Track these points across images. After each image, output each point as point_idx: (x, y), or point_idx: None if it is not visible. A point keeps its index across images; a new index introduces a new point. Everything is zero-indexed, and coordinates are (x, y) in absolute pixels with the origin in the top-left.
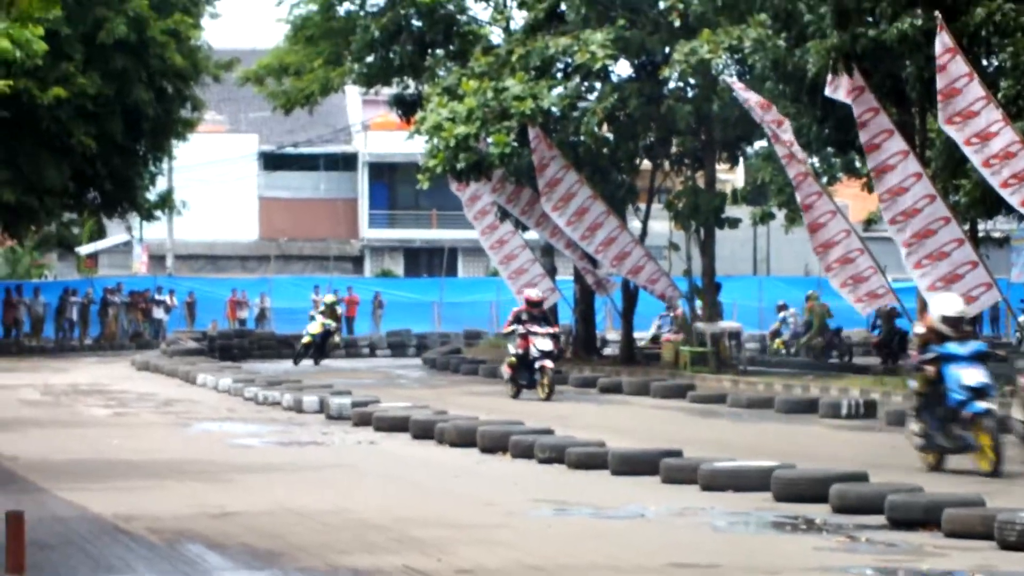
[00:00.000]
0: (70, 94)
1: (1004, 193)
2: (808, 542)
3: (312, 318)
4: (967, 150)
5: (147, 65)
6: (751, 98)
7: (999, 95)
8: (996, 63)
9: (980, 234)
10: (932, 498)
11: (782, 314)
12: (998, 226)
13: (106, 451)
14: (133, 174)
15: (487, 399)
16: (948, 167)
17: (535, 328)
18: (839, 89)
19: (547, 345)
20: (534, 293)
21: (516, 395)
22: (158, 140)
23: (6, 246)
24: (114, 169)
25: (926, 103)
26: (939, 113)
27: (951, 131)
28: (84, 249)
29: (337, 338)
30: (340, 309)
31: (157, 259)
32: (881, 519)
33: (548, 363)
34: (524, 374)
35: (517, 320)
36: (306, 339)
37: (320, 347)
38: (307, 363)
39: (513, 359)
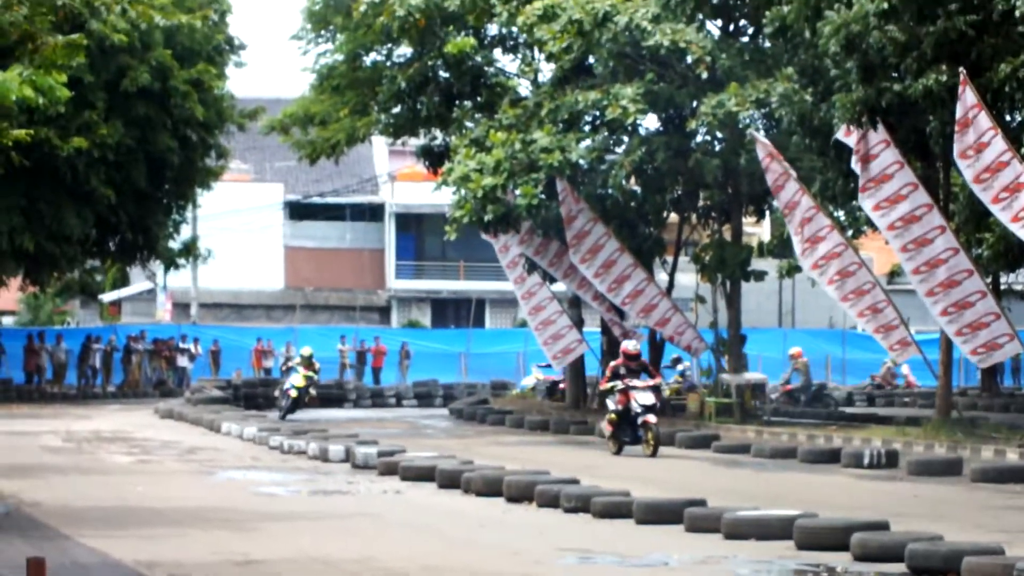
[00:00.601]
0: (91, 143)
1: None
2: None
3: (292, 370)
4: (994, 208)
5: (170, 113)
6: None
7: (1022, 150)
8: (1020, 118)
9: (1003, 286)
10: (952, 547)
11: (793, 362)
12: (1020, 279)
13: (129, 498)
14: (154, 222)
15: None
16: (971, 221)
17: (635, 382)
18: (852, 136)
19: (649, 399)
20: (631, 345)
21: (618, 451)
22: (181, 188)
23: (28, 293)
24: (135, 217)
25: (950, 157)
26: (965, 170)
27: (978, 189)
28: (107, 296)
29: (313, 391)
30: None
31: (181, 307)
32: (902, 567)
33: (651, 418)
34: (627, 430)
35: (615, 375)
36: (293, 392)
37: (298, 400)
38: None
39: (613, 415)
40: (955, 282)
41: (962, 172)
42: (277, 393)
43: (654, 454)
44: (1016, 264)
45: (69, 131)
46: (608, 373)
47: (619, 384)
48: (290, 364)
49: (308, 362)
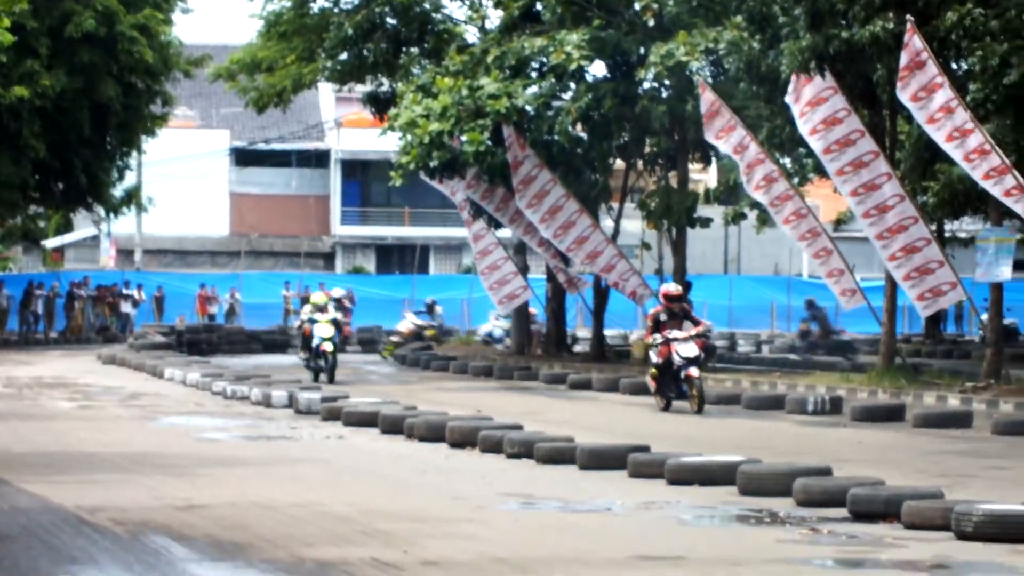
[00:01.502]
0: (32, 93)
1: (987, 184)
2: (772, 535)
3: (312, 320)
4: (948, 146)
5: (116, 60)
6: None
7: (968, 98)
8: (965, 66)
9: (947, 234)
10: (893, 491)
11: (811, 311)
12: (964, 227)
13: (71, 444)
14: (100, 169)
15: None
16: (917, 169)
17: (675, 333)
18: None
19: (691, 351)
20: (672, 287)
21: (666, 407)
22: (126, 135)
23: None
24: (81, 163)
25: (896, 105)
26: (918, 112)
27: (931, 129)
28: (50, 243)
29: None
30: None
31: (125, 253)
32: (843, 512)
33: (694, 371)
34: (671, 385)
35: (656, 324)
36: (328, 347)
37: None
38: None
39: (655, 370)
40: (903, 227)
41: (914, 114)
42: (302, 354)
43: (699, 410)
44: (960, 212)
45: (11, 79)
46: (649, 322)
47: (659, 337)
48: (303, 315)
49: (339, 305)
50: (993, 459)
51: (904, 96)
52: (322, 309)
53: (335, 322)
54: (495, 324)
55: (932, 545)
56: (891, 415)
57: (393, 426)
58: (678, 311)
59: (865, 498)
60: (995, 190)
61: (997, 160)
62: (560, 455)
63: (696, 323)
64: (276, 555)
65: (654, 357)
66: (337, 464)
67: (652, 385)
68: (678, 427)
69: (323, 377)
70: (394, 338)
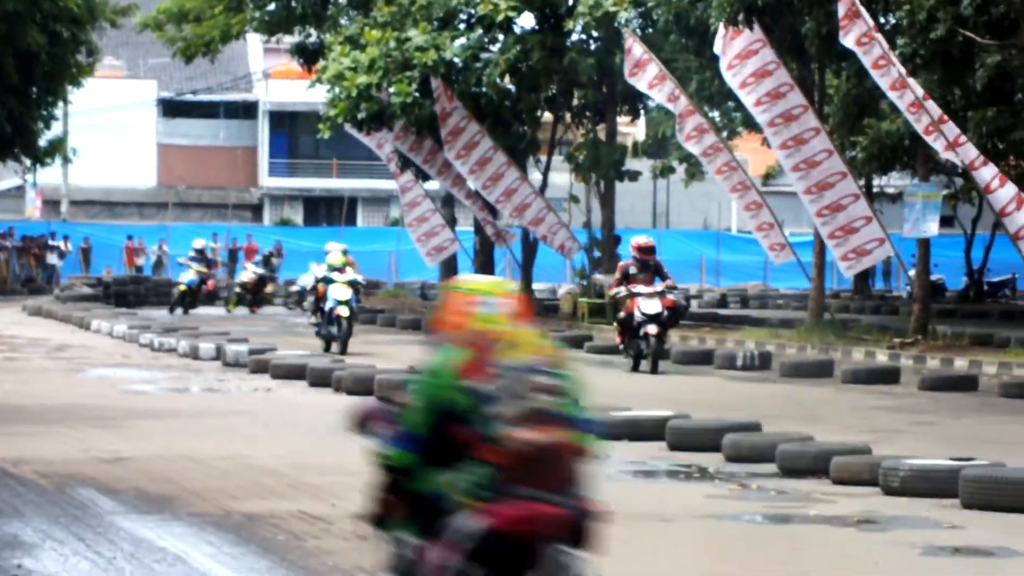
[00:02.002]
0: None
1: (928, 139)
2: (701, 490)
3: (184, 267)
4: (892, 94)
5: (40, 9)
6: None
7: (896, 52)
8: (894, 20)
9: (875, 189)
10: (821, 447)
11: None
12: (892, 182)
13: None
14: (26, 118)
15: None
16: (845, 123)
17: (639, 288)
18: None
19: (653, 307)
20: (643, 239)
21: (636, 366)
22: (52, 85)
23: None
24: (6, 112)
25: (825, 59)
26: (864, 56)
27: (876, 74)
28: None
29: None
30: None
31: (51, 204)
32: (772, 468)
33: (651, 328)
34: (635, 343)
35: (624, 277)
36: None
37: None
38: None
39: (618, 325)
40: (829, 184)
41: (861, 58)
42: (312, 318)
43: (653, 370)
44: (888, 167)
45: None
46: (617, 274)
47: (622, 291)
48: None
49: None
50: (920, 414)
51: (848, 41)
52: (339, 269)
53: (354, 284)
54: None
55: (860, 500)
56: (820, 371)
57: (321, 379)
58: (651, 264)
59: (794, 454)
60: (937, 145)
61: (936, 112)
62: None
63: (665, 278)
64: (203, 508)
65: (620, 312)
66: (265, 417)
67: (618, 341)
68: (607, 382)
69: (335, 347)
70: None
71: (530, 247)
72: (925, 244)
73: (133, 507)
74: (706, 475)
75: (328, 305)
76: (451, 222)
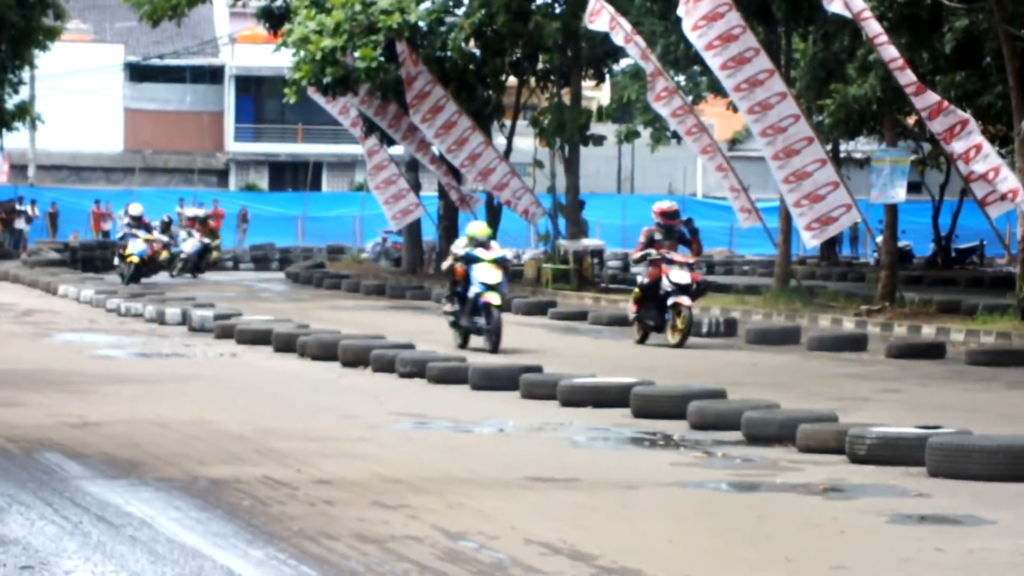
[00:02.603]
0: None
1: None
2: (666, 457)
3: (132, 236)
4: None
5: None
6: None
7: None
8: None
9: (842, 155)
10: (787, 414)
11: None
12: (860, 147)
13: None
14: None
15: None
16: (812, 87)
17: (673, 254)
18: (697, 11)
19: (684, 277)
20: (666, 204)
21: (642, 339)
22: (19, 48)
23: None
24: None
25: (791, 22)
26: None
27: (865, 24)
28: None
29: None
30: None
31: (18, 168)
32: (738, 435)
33: (684, 300)
34: (653, 312)
35: (649, 242)
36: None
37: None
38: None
39: (639, 291)
40: (795, 151)
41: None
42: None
43: (680, 344)
44: (856, 132)
45: None
46: (641, 239)
47: (653, 253)
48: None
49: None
50: (887, 382)
51: (835, 7)
52: (483, 244)
53: (503, 263)
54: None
55: (826, 468)
56: (786, 338)
57: (286, 344)
58: (676, 231)
59: (760, 421)
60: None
61: (912, 76)
62: (452, 375)
63: (693, 246)
64: (169, 473)
65: (640, 277)
66: (230, 382)
67: (633, 310)
68: (574, 346)
69: (481, 342)
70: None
71: (495, 212)
72: (892, 210)
73: (100, 472)
74: (671, 442)
75: (473, 291)
76: (415, 187)
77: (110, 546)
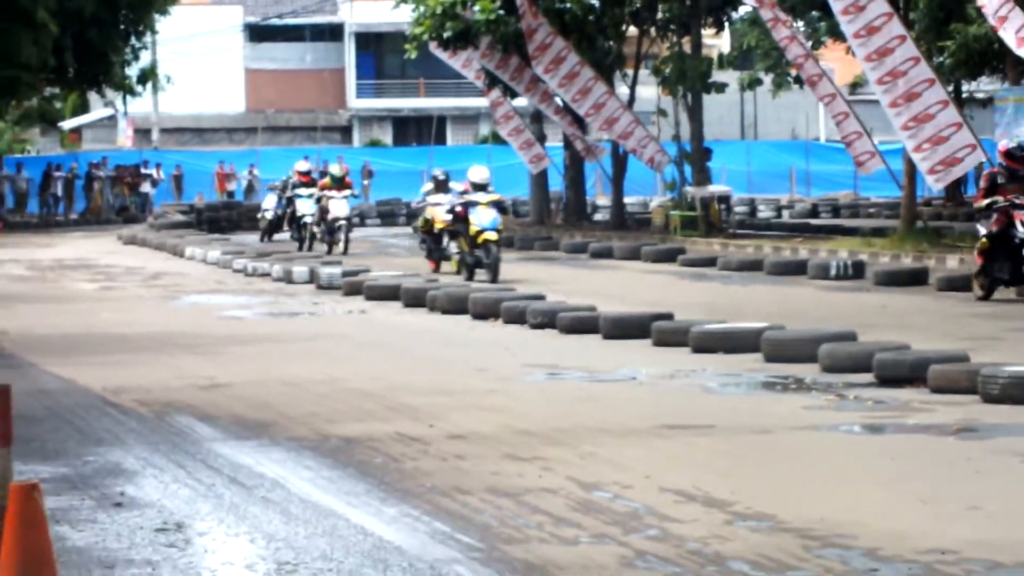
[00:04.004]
0: None
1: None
2: (798, 401)
3: (299, 196)
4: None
5: None
6: None
7: None
8: None
9: (964, 95)
10: (919, 355)
11: None
12: (982, 87)
13: (94, 325)
14: (109, 48)
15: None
16: (932, 29)
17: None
18: None
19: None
20: (1012, 143)
21: (987, 296)
22: (138, 14)
23: None
24: (89, 43)
25: None
26: None
27: None
28: (67, 124)
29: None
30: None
31: (143, 133)
32: (869, 377)
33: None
34: (1003, 264)
35: (992, 186)
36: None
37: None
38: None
39: (985, 241)
40: (915, 94)
41: None
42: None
43: (494, 280)
44: (977, 72)
45: None
46: (983, 183)
47: (1000, 200)
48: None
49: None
50: (1017, 321)
51: None
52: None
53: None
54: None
55: (959, 408)
56: (914, 279)
57: (415, 299)
58: (1020, 174)
59: (891, 363)
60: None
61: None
62: (583, 325)
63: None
64: (300, 432)
65: (983, 227)
66: (359, 339)
67: (978, 262)
68: (700, 294)
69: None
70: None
71: (620, 161)
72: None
73: (231, 433)
74: (803, 386)
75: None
76: (540, 138)
77: (243, 507)
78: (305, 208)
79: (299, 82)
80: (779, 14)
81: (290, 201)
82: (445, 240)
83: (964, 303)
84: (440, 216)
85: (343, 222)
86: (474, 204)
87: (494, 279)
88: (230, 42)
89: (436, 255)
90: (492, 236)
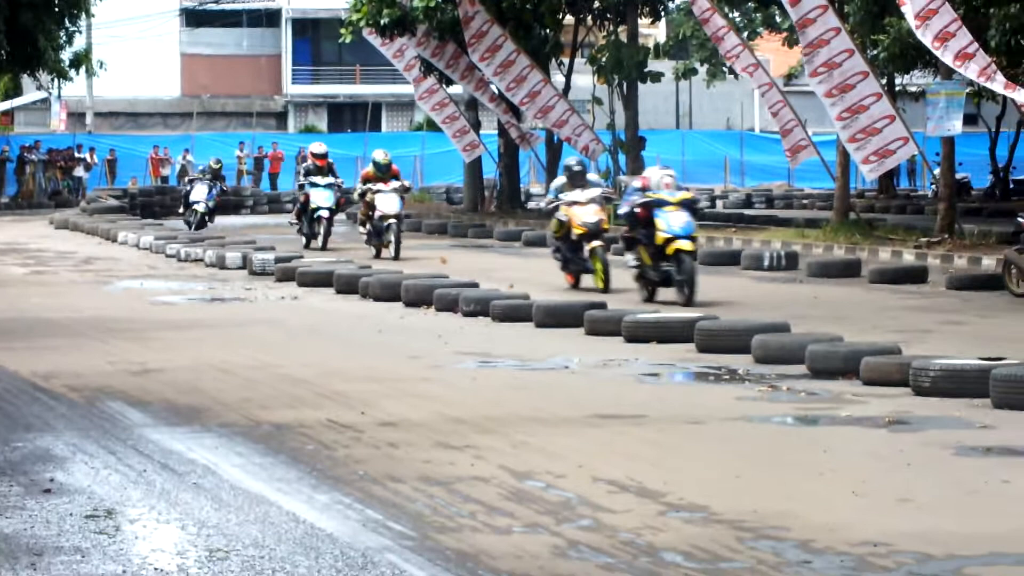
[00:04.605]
0: None
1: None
2: (731, 392)
3: (196, 182)
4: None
5: None
6: None
7: None
8: None
9: (897, 88)
10: (851, 347)
11: None
12: (915, 80)
13: (25, 310)
14: (42, 32)
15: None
16: (866, 22)
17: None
18: None
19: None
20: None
21: None
22: None
23: None
24: (22, 27)
25: None
26: None
27: None
28: None
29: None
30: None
31: (76, 116)
32: (802, 369)
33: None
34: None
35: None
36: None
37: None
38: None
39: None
40: (850, 85)
41: None
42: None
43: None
44: (911, 65)
45: None
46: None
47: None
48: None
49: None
50: (949, 314)
51: None
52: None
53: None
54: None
55: (891, 401)
56: (847, 270)
57: (348, 286)
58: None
59: (823, 354)
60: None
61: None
62: (516, 313)
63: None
64: (232, 419)
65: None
66: (292, 325)
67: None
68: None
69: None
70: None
71: (555, 149)
72: (950, 142)
73: (162, 419)
74: (736, 377)
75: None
76: (475, 126)
77: (174, 494)
78: (321, 199)
79: (235, 67)
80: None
81: (301, 189)
82: (585, 249)
83: (896, 295)
84: (581, 218)
85: (392, 221)
86: (661, 204)
87: (690, 300)
88: (166, 26)
89: (575, 267)
90: (686, 245)
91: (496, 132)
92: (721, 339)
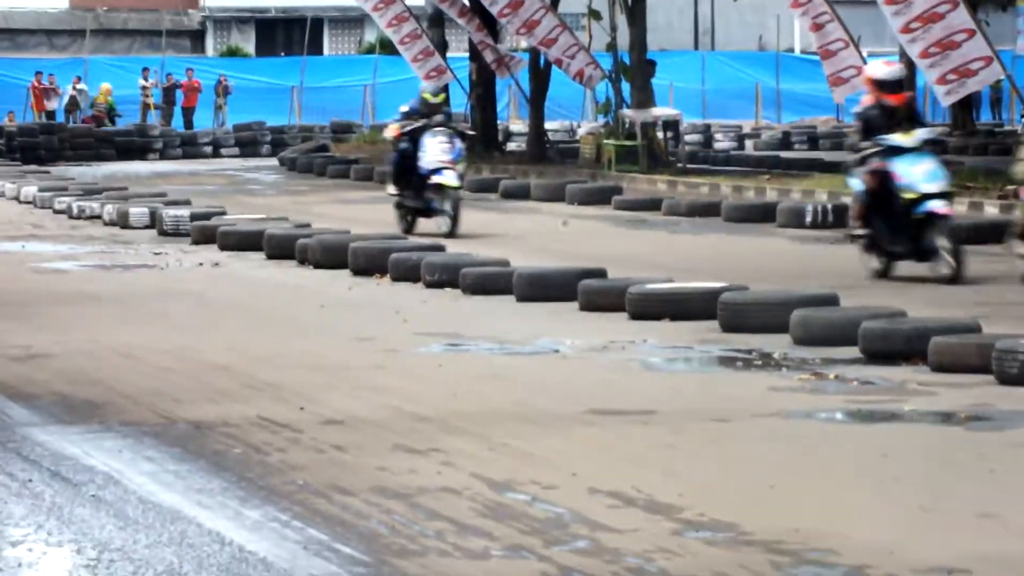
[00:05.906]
0: None
1: None
2: (764, 381)
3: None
4: None
5: None
6: None
7: None
8: None
9: None
10: (917, 324)
11: None
12: None
13: None
14: None
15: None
16: None
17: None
18: None
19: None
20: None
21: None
22: None
23: None
24: None
25: None
26: None
27: None
28: None
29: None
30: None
31: None
32: (855, 351)
33: (940, 206)
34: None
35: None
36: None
37: None
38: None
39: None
40: None
41: None
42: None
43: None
44: None
45: None
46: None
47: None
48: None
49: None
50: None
51: None
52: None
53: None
54: None
55: (968, 391)
56: None
57: (281, 249)
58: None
59: (881, 333)
60: None
61: None
62: (492, 283)
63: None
64: (140, 416)
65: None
66: (213, 299)
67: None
68: (641, 245)
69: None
70: None
71: (541, 76)
72: None
73: (52, 416)
74: (770, 362)
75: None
76: (442, 47)
77: (68, 509)
78: (439, 153)
79: None
80: None
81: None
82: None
83: (975, 258)
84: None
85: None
86: (898, 151)
87: (957, 275)
88: None
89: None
90: (939, 206)
91: (467, 55)
92: (752, 314)
